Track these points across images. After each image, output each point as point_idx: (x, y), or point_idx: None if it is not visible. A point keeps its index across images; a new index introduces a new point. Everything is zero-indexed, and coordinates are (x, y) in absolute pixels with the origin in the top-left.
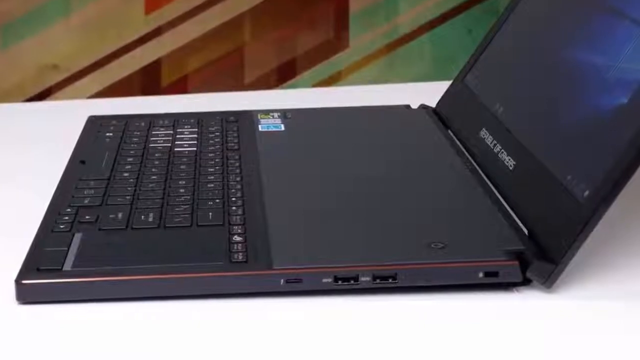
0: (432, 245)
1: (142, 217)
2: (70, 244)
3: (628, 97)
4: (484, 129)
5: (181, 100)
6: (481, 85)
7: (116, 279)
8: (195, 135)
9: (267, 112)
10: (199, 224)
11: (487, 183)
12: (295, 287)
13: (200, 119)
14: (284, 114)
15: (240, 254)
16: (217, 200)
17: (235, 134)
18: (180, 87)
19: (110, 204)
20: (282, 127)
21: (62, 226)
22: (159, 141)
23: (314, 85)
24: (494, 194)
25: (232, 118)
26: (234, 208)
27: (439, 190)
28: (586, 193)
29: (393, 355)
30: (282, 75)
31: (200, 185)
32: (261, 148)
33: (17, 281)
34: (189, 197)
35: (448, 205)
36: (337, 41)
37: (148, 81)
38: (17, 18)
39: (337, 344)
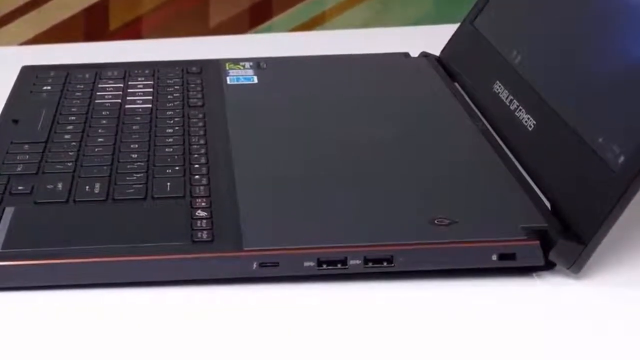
0: (436, 222)
1: (87, 187)
2: (0, 221)
3: None
4: (498, 81)
5: (133, 47)
6: (495, 28)
7: (55, 263)
8: (151, 90)
9: (236, 62)
10: (155, 196)
11: (501, 147)
12: (271, 272)
13: (156, 70)
14: (257, 64)
15: (205, 232)
16: (177, 168)
17: (199, 88)
18: (132, 31)
19: (48, 172)
20: (255, 80)
21: None
22: (106, 96)
23: (293, 30)
24: (510, 159)
25: (194, 69)
26: (197, 177)
27: (445, 156)
28: (621, 159)
29: (388, 354)
30: (255, 17)
31: (156, 149)
32: (230, 105)
33: None
34: (142, 163)
35: (455, 174)
36: None
37: (93, 24)
38: None
39: (321, 339)
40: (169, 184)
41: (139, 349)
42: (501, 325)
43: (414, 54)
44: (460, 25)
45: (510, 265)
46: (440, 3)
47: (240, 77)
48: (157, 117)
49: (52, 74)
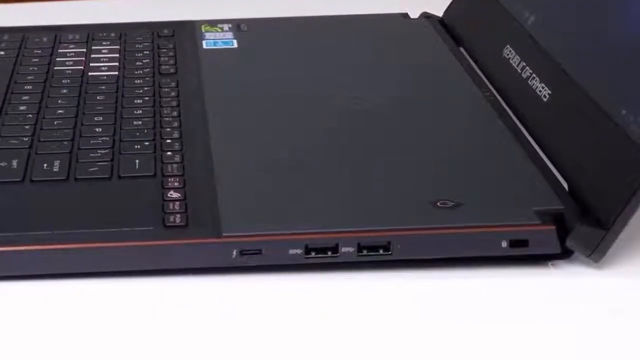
0: (439, 204)
1: (45, 165)
2: None
3: None
4: (508, 46)
5: (97, 7)
6: None
7: (10, 250)
8: (117, 55)
9: (213, 24)
10: (122, 175)
11: (512, 119)
12: (253, 261)
13: (123, 33)
14: (237, 26)
15: (178, 215)
16: (147, 143)
17: (171, 53)
18: None
19: (1, 148)
20: (235, 44)
21: None
22: (67, 63)
23: None
24: (522, 133)
25: (166, 31)
26: (169, 153)
27: (448, 130)
28: None
29: (384, 352)
30: None
31: (123, 122)
32: (206, 72)
33: None
34: (107, 138)
35: (460, 150)
36: None
37: None
38: None
39: (308, 336)
40: (137, 161)
41: (103, 346)
42: (512, 320)
43: (414, 14)
44: None
45: (522, 253)
46: None
47: (218, 40)
48: (124, 86)
49: (5, 37)
